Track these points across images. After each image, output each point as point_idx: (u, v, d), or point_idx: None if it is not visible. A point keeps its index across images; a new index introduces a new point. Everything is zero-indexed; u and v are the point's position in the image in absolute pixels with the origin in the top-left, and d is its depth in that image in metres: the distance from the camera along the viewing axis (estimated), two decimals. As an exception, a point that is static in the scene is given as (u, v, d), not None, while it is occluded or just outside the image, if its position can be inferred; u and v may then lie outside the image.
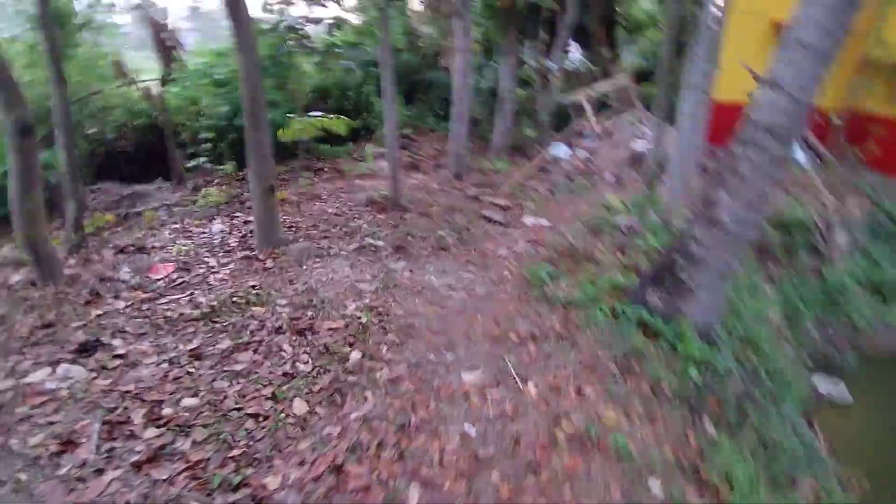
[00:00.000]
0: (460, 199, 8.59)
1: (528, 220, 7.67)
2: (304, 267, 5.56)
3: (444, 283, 5.39)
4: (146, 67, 11.29)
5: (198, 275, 5.38)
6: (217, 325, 4.23)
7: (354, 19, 11.98)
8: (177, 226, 7.07)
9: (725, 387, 3.70)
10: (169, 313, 4.40)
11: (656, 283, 4.32)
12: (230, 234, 6.69)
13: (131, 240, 6.39)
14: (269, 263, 5.60)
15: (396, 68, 10.59)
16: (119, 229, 7.19)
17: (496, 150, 11.64)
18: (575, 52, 16.19)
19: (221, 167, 9.90)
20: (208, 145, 9.98)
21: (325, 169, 11.04)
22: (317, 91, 12.00)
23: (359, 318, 4.44)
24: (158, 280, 5.21)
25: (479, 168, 10.64)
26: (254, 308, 4.53)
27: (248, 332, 4.13)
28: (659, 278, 4.32)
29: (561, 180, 9.74)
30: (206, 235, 6.66)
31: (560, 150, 11.38)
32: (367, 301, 4.79)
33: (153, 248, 6.17)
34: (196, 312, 4.40)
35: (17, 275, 5.30)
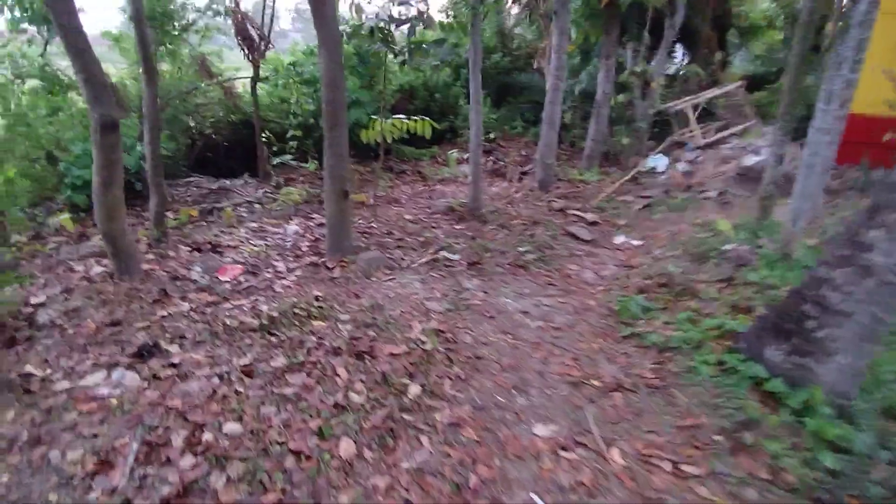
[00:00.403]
0: (544, 212, 7.99)
1: (619, 239, 6.96)
2: (373, 279, 5.26)
3: (520, 308, 4.88)
4: (246, 66, 11.65)
5: (265, 279, 5.23)
6: (274, 339, 3.99)
7: (441, 17, 11.69)
8: (254, 225, 7.06)
9: (868, 479, 2.91)
10: (229, 321, 4.22)
11: (777, 335, 3.56)
12: (303, 236, 6.56)
13: (209, 237, 6.40)
14: (336, 272, 5.35)
15: (486, 69, 10.15)
16: (202, 224, 7.30)
17: (587, 159, 10.90)
18: (681, 56, 15.02)
19: (305, 165, 9.99)
20: (295, 143, 10.13)
21: (407, 172, 10.86)
22: (403, 91, 11.86)
23: (423, 343, 4.03)
24: (225, 282, 5.10)
25: (568, 178, 9.97)
26: (314, 322, 4.26)
27: (305, 351, 3.85)
28: (781, 329, 3.55)
29: (658, 196, 8.87)
30: (279, 236, 6.57)
31: (658, 161, 10.46)
32: (434, 323, 4.37)
33: (228, 246, 6.14)
34: (255, 322, 4.19)
35: (99, 266, 5.40)
